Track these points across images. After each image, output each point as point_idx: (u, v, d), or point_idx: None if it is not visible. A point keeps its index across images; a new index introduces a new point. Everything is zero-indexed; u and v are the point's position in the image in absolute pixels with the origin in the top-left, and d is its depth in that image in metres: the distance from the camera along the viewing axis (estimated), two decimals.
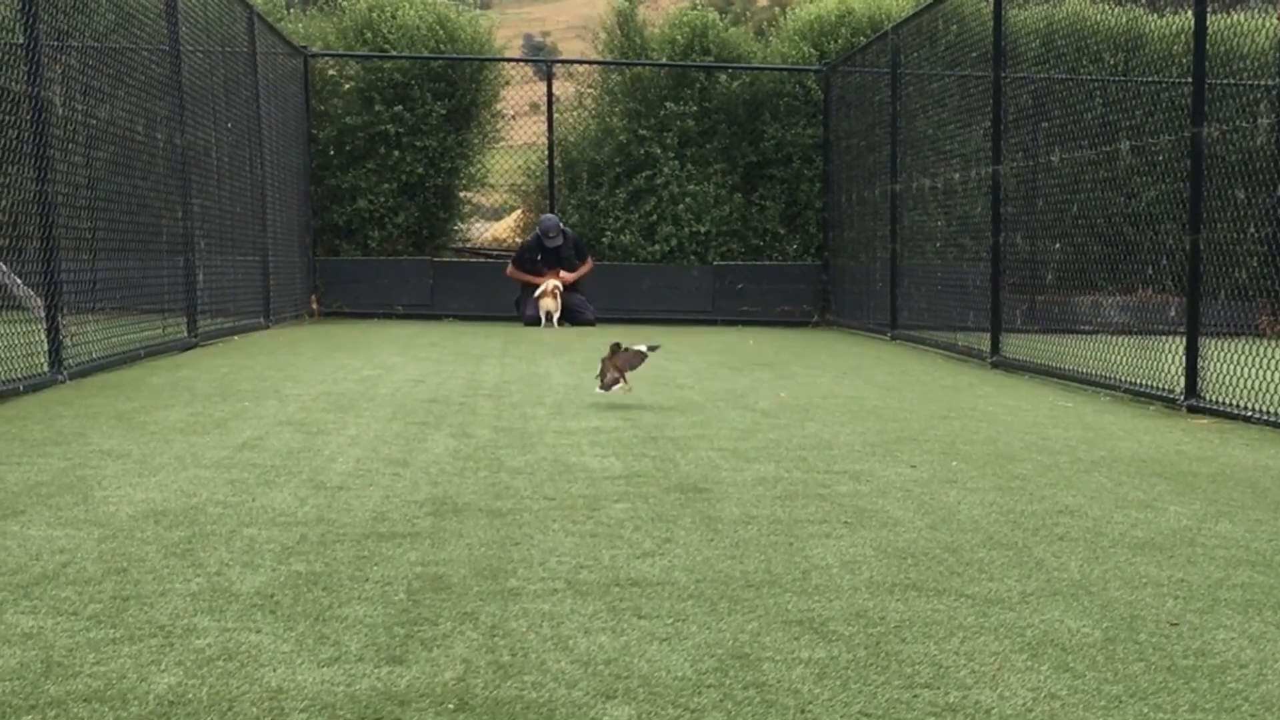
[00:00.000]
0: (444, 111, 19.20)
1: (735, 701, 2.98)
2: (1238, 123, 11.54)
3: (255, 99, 15.76)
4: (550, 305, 17.25)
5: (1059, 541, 4.79)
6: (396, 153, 18.97)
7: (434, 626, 3.53)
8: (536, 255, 17.77)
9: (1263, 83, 13.87)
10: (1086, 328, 12.28)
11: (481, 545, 4.52)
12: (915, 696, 3.04)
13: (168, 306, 12.50)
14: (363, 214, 19.05)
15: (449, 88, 19.35)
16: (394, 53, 19.12)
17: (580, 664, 3.23)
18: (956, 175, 14.51)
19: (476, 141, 19.97)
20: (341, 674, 3.13)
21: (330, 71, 19.48)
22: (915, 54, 16.03)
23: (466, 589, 3.93)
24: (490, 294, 18.81)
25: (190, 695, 2.96)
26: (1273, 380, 8.76)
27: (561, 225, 18.12)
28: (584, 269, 18.02)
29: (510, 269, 18.01)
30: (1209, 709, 3.02)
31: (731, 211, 19.38)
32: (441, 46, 19.35)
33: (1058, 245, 13.11)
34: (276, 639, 3.40)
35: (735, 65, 19.51)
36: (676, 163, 19.10)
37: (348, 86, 19.28)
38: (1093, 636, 3.57)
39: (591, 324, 17.61)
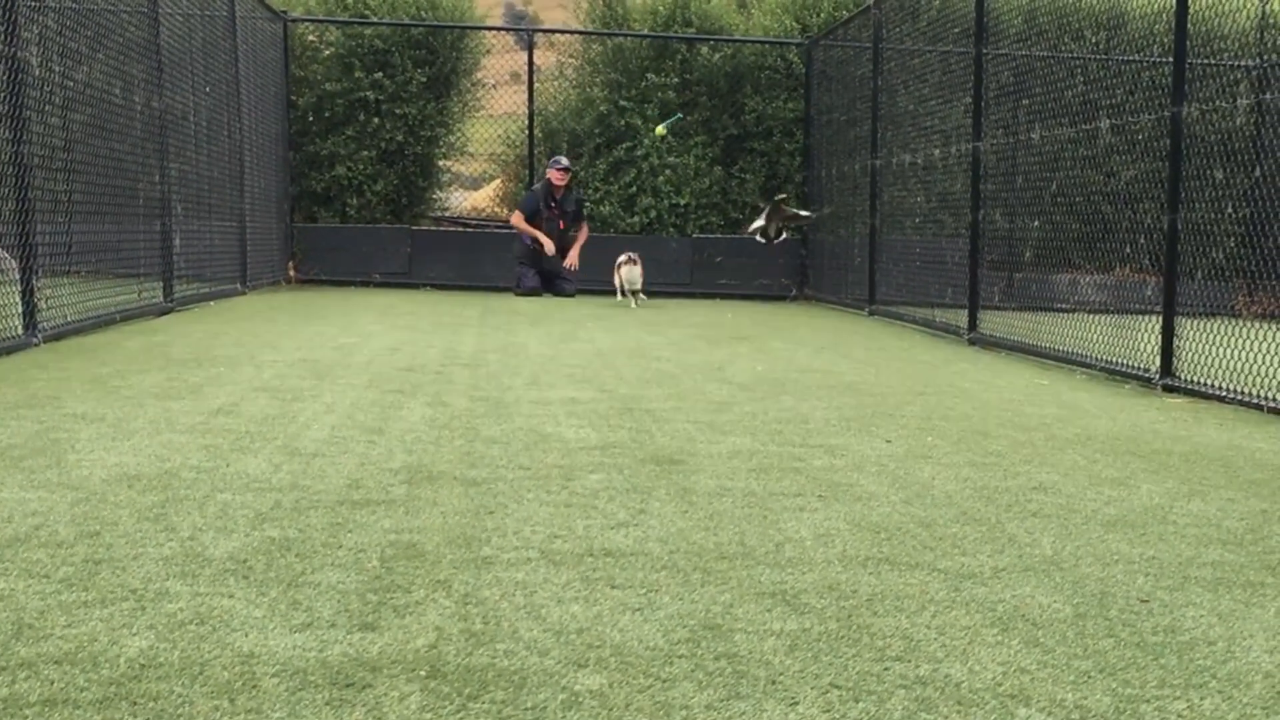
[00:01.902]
0: (424, 79, 19.12)
1: (706, 672, 2.98)
2: (1218, 103, 11.56)
3: (234, 63, 15.69)
4: (632, 275, 17.15)
5: (1032, 518, 4.80)
6: (376, 120, 18.89)
7: (407, 594, 3.53)
8: (550, 202, 17.64)
9: (1243, 63, 13.90)
10: (1064, 306, 12.31)
11: (456, 514, 4.52)
12: (886, 669, 3.05)
13: (144, 271, 12.46)
14: (341, 181, 18.98)
15: (430, 55, 19.27)
16: (375, 19, 19.04)
17: (552, 633, 3.23)
18: (937, 151, 14.52)
19: (456, 110, 19.89)
20: (313, 640, 3.13)
21: (310, 37, 19.37)
22: (897, 29, 16.02)
23: (440, 557, 3.92)
24: (469, 263, 18.78)
25: (161, 659, 2.96)
26: (1247, 361, 8.79)
27: (571, 183, 18.03)
28: (581, 239, 17.94)
29: (516, 217, 17.82)
30: (1177, 685, 3.03)
31: (711, 184, 19.36)
32: (423, 13, 19.27)
33: (1036, 223, 13.12)
34: (249, 604, 3.40)
35: (717, 37, 19.47)
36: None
37: (328, 52, 19.18)
38: (1063, 612, 3.58)
39: (570, 295, 17.58)
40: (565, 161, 17.75)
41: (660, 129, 7.53)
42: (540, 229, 17.61)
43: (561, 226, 17.69)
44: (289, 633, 3.18)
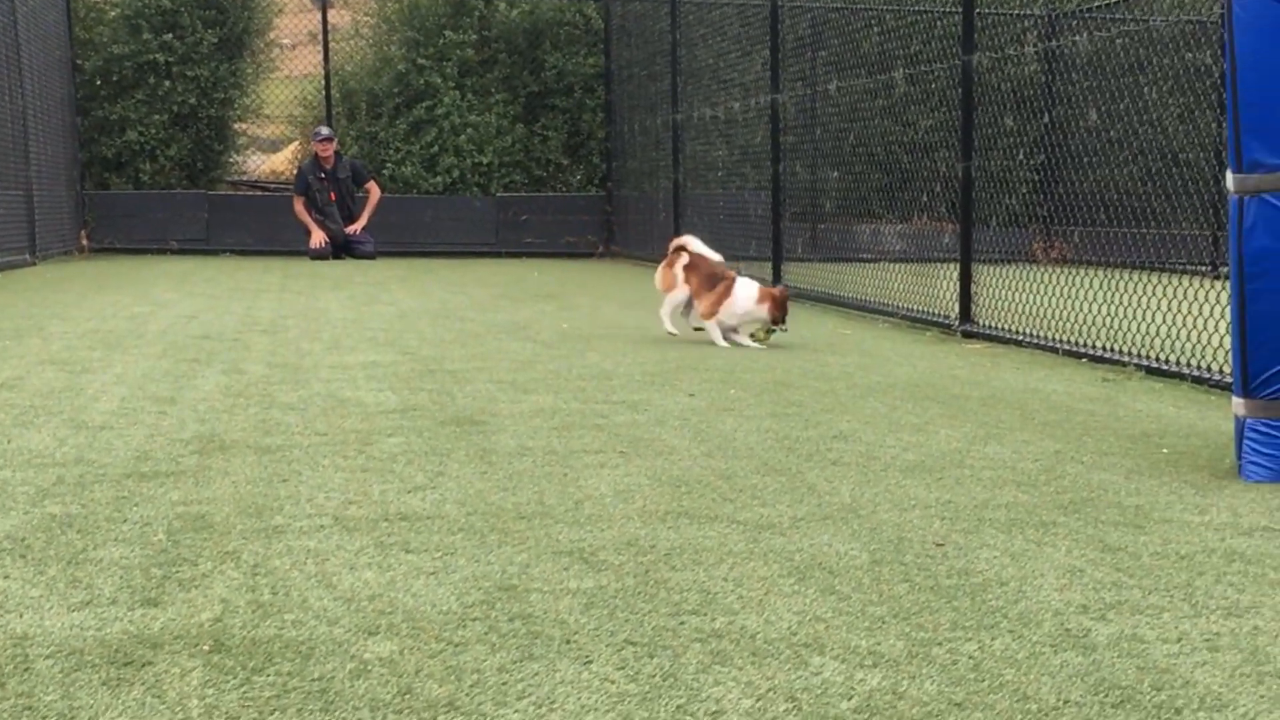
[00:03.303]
0: (215, 40, 18.67)
1: (500, 634, 2.92)
2: (1008, 51, 11.74)
3: (12, 26, 15.14)
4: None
5: (832, 466, 4.82)
6: (167, 83, 18.41)
7: (193, 567, 3.42)
8: (320, 173, 17.38)
9: (1031, 12, 14.15)
10: (866, 256, 12.45)
11: (248, 483, 4.40)
12: (681, 623, 3.02)
13: None
14: (133, 146, 18.48)
15: (220, 15, 18.81)
16: None
17: (343, 601, 3.15)
18: (737, 104, 14.57)
19: (250, 71, 19.47)
20: (92, 618, 3.01)
21: None
22: None
23: (229, 528, 3.82)
24: (269, 228, 18.43)
25: None
26: (1042, 305, 8.95)
27: (339, 151, 17.78)
28: (373, 199, 17.68)
29: (296, 204, 17.55)
30: (969, 626, 3.04)
31: (514, 142, 19.22)
32: None
33: (836, 174, 13.25)
34: (25, 584, 3.26)
35: None
36: (457, 93, 18.86)
37: (113, 14, 18.61)
38: (860, 559, 3.59)
39: (372, 258, 17.34)
40: (326, 131, 17.54)
41: None
42: (314, 202, 17.38)
43: (333, 198, 17.44)
44: (67, 612, 3.06)
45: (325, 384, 6.60)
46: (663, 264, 8.91)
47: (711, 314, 8.52)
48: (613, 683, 2.68)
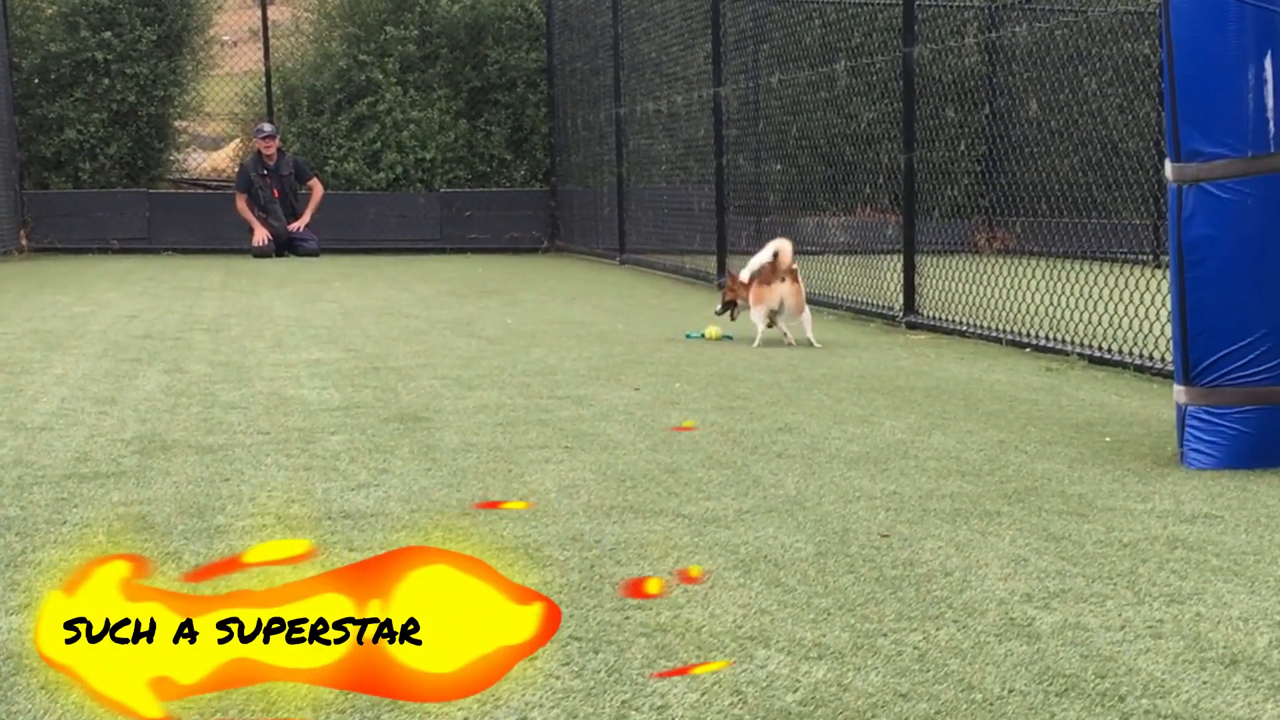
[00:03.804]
0: (154, 37, 18.49)
1: None
2: (949, 43, 11.78)
3: None
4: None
5: (777, 459, 4.82)
6: (106, 80, 18.23)
7: None
8: (262, 170, 17.27)
9: (972, 4, 14.19)
10: (811, 248, 12.45)
11: (189, 483, 4.37)
12: (626, 618, 3.01)
13: None
14: (72, 145, 18.29)
15: (159, 12, 18.63)
16: None
17: None
18: (680, 98, 14.56)
19: (190, 68, 19.31)
20: (31, 621, 2.97)
21: None
22: None
23: (170, 528, 3.78)
24: (211, 226, 18.27)
25: None
26: (986, 295, 8.99)
27: (281, 148, 17.67)
28: (316, 196, 17.58)
29: (239, 201, 17.43)
30: (914, 617, 3.05)
31: (457, 138, 19.12)
32: None
33: (779, 167, 13.25)
34: None
35: None
36: (399, 89, 18.76)
37: (50, 11, 18.42)
38: (805, 551, 3.59)
39: (315, 254, 17.23)
40: (268, 128, 17.44)
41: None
42: (257, 200, 17.28)
43: (276, 195, 17.34)
44: (5, 615, 3.04)
45: (268, 382, 6.56)
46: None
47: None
48: (558, 678, 2.67)
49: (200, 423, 5.47)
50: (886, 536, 3.74)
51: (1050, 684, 2.66)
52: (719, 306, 8.72)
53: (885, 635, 2.93)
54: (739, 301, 8.54)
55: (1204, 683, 2.68)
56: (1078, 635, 2.94)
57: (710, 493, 4.27)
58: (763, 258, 8.36)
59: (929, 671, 2.71)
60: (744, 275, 8.52)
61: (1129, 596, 3.23)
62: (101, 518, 3.90)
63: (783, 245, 8.35)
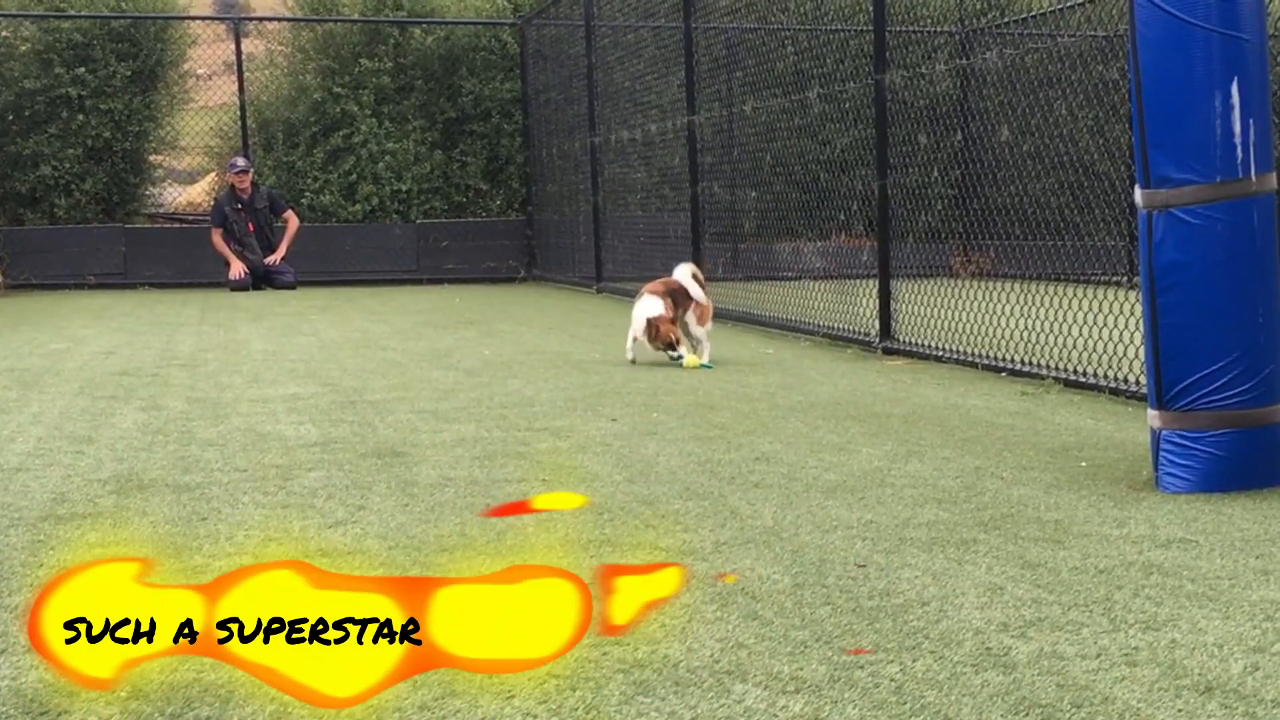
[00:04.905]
0: (129, 73, 18.49)
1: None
2: (920, 69, 11.83)
3: None
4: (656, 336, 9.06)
5: (754, 489, 4.83)
6: (80, 116, 18.22)
7: None
8: (236, 204, 17.26)
9: (944, 29, 14.27)
10: (788, 274, 12.49)
11: (166, 522, 4.36)
12: (604, 654, 3.01)
13: None
14: (47, 181, 18.26)
15: (133, 48, 18.64)
16: (72, 12, 18.36)
17: None
18: (654, 126, 14.60)
19: (165, 103, 19.29)
20: (7, 666, 2.98)
21: (3, 33, 18.59)
22: (609, 5, 16.04)
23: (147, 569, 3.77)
24: (187, 260, 18.26)
25: None
26: (961, 320, 9.02)
27: (256, 181, 17.66)
28: (291, 229, 17.57)
29: (214, 236, 17.41)
30: (891, 648, 3.06)
31: (432, 169, 19.15)
32: (123, 4, 18.64)
33: (754, 193, 13.30)
34: None
35: (429, 20, 19.24)
36: (374, 120, 18.78)
37: (24, 48, 18.41)
38: (782, 583, 3.59)
39: (292, 287, 17.22)
40: (242, 163, 17.44)
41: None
42: (232, 234, 17.28)
43: (251, 229, 17.33)
44: None
45: (245, 418, 6.55)
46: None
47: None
48: (535, 717, 2.68)
49: (177, 461, 5.46)
50: (863, 566, 3.75)
51: (1026, 714, 2.67)
52: (665, 351, 8.68)
53: (862, 667, 2.93)
54: (672, 338, 8.61)
55: (1179, 710, 2.69)
56: (1054, 664, 2.95)
57: (688, 524, 4.27)
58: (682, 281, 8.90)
59: (906, 704, 2.72)
60: (661, 308, 8.64)
61: (1104, 624, 3.24)
62: (78, 559, 3.88)
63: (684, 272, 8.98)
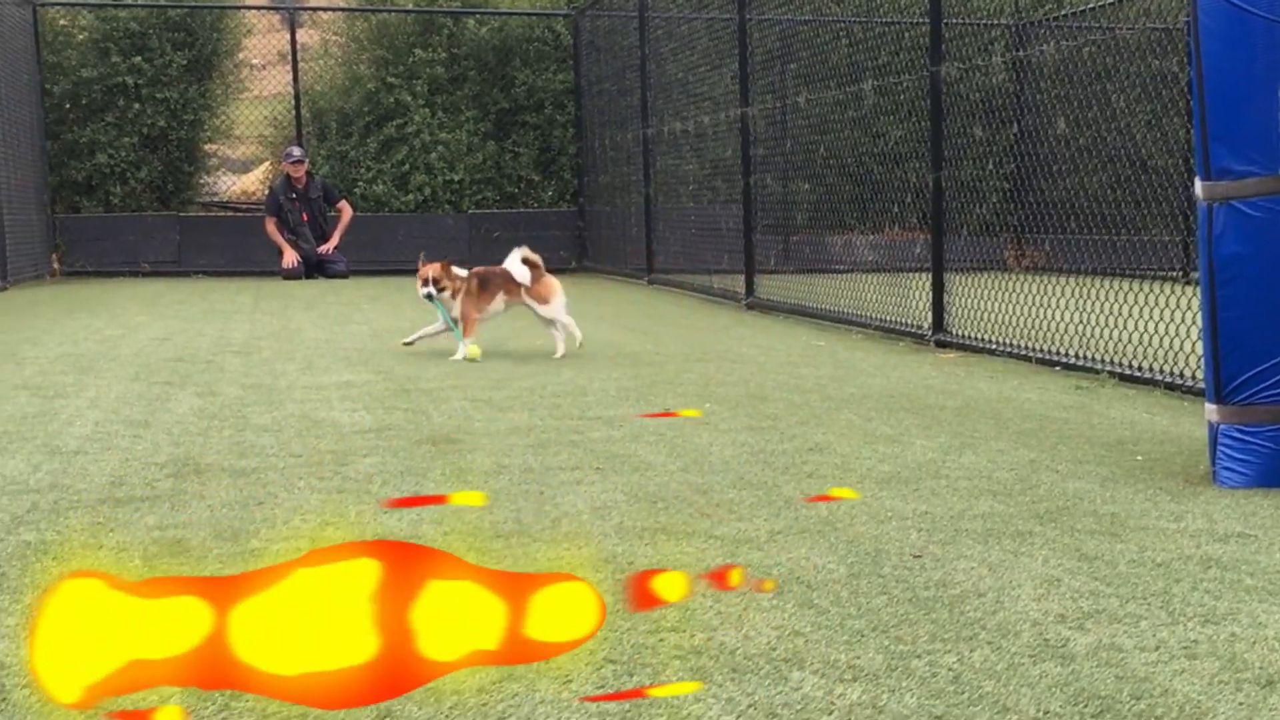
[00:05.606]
0: (184, 62, 18.62)
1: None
2: (976, 61, 11.78)
3: None
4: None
5: (808, 479, 4.83)
6: (136, 105, 18.35)
7: None
8: (291, 194, 17.34)
9: (999, 22, 14.19)
10: (839, 267, 12.47)
11: (224, 506, 4.39)
12: (661, 640, 3.01)
13: None
14: (103, 169, 18.41)
15: (189, 37, 18.77)
16: (129, 1, 18.49)
17: None
18: (707, 118, 14.58)
19: (220, 92, 19.41)
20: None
21: (62, 22, 18.73)
22: None
23: (206, 552, 3.80)
24: (241, 248, 18.37)
25: None
26: (1015, 313, 8.98)
27: (310, 171, 17.74)
28: (345, 219, 17.64)
29: (269, 224, 17.50)
30: (948, 639, 3.05)
31: (485, 159, 19.20)
32: None
33: (807, 186, 13.27)
34: (1, 612, 3.25)
35: (483, 11, 19.30)
36: (427, 111, 18.84)
37: (81, 37, 18.57)
38: (838, 572, 3.59)
39: (345, 277, 17.31)
40: (298, 153, 17.49)
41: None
42: (286, 223, 17.34)
43: (305, 218, 17.40)
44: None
45: (300, 405, 6.59)
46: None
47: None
48: (593, 701, 2.68)
49: (233, 446, 5.49)
50: (919, 557, 3.74)
51: (1085, 706, 2.66)
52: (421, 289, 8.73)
53: (919, 656, 2.93)
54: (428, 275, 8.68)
55: (1240, 703, 2.68)
56: (1112, 656, 2.94)
57: (742, 514, 4.27)
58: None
59: (964, 694, 2.71)
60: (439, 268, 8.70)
61: (1163, 617, 3.22)
62: (137, 542, 3.91)
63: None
